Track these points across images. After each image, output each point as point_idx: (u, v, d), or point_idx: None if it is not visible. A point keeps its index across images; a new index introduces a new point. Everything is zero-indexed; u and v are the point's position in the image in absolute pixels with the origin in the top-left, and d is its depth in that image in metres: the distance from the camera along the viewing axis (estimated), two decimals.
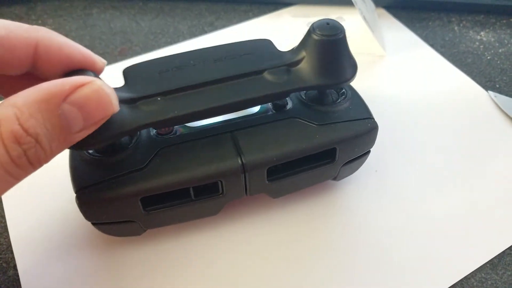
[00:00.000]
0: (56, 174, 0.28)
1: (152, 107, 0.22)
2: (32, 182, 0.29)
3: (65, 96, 0.17)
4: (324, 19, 0.24)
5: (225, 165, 0.23)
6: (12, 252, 0.26)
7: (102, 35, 0.42)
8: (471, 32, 0.42)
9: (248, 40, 0.25)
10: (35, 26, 0.20)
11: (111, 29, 0.42)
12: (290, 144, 0.23)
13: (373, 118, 0.25)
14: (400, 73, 0.37)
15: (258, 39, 0.26)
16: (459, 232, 0.26)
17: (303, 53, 0.24)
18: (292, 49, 0.25)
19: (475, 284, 0.24)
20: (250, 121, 0.25)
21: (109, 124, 0.20)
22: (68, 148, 0.19)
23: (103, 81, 0.19)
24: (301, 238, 0.26)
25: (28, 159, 0.17)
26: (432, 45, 0.40)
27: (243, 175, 0.23)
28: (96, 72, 0.21)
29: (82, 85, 0.18)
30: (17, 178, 0.17)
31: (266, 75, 0.23)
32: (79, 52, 0.21)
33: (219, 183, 0.23)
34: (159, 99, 0.22)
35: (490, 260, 0.25)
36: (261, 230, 0.27)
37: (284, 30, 0.41)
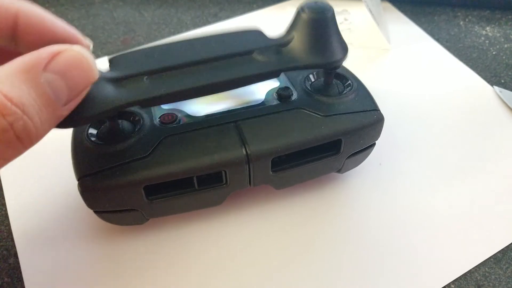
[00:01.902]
0: (58, 161, 0.28)
1: (138, 85, 0.21)
2: (33, 169, 0.29)
3: (45, 64, 0.16)
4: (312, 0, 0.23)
5: (230, 155, 0.22)
6: (12, 240, 0.25)
7: (105, 24, 0.41)
8: (476, 27, 0.41)
9: (239, 30, 0.24)
10: None
11: (114, 19, 0.42)
12: (295, 134, 0.23)
13: (379, 110, 0.25)
14: (405, 67, 0.37)
15: (248, 30, 0.24)
16: (463, 226, 0.26)
17: (293, 34, 0.23)
18: (282, 33, 0.24)
19: (478, 278, 0.24)
20: (254, 111, 0.24)
21: (94, 101, 0.19)
22: (57, 127, 0.18)
23: (80, 46, 0.18)
24: (304, 230, 0.26)
25: (16, 134, 0.15)
26: (437, 40, 0.39)
27: (247, 165, 0.23)
28: None
29: (60, 52, 0.17)
30: (5, 159, 0.16)
31: (256, 55, 0.23)
32: (61, 26, 0.20)
33: (223, 173, 0.23)
34: (145, 78, 0.21)
35: (494, 255, 0.25)
36: (264, 222, 0.26)
37: (287, 22, 0.41)
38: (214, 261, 0.25)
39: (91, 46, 0.21)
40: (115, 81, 0.21)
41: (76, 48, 0.18)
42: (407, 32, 0.40)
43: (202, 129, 0.23)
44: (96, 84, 0.19)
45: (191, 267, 0.24)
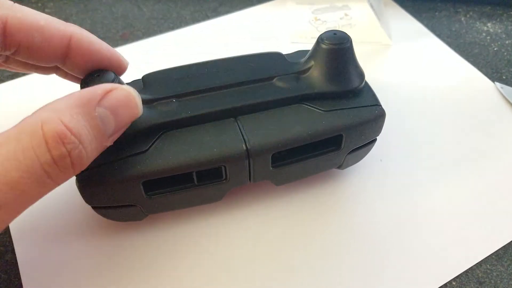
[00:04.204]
0: None
1: (168, 107, 0.23)
2: None
3: (99, 100, 0.18)
4: (331, 30, 0.25)
5: (230, 150, 0.22)
6: (10, 236, 0.25)
7: (104, 19, 0.41)
8: (478, 23, 0.41)
9: (260, 53, 0.27)
10: (69, 23, 0.22)
11: (112, 14, 0.42)
12: (296, 130, 0.23)
13: (381, 105, 0.25)
14: (406, 62, 0.36)
15: (269, 52, 0.26)
16: (464, 223, 0.26)
17: (312, 62, 0.25)
18: (302, 60, 0.26)
19: (480, 275, 0.24)
20: (255, 106, 0.24)
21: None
22: None
23: (129, 86, 0.20)
24: (304, 227, 0.26)
25: (72, 160, 0.17)
26: (438, 36, 0.39)
27: (247, 160, 0.23)
28: (121, 71, 0.24)
29: (112, 90, 0.19)
30: (56, 182, 0.17)
31: (276, 81, 0.24)
32: (107, 49, 0.23)
33: (223, 168, 0.23)
34: (174, 100, 0.23)
35: (495, 252, 0.25)
36: (263, 218, 0.26)
37: (288, 17, 0.40)
38: (213, 258, 0.24)
39: (128, 64, 0.24)
40: (147, 102, 0.23)
41: (126, 87, 0.20)
42: (408, 28, 0.40)
43: (202, 124, 0.23)
44: None
45: (190, 263, 0.24)
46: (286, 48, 0.29)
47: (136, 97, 0.20)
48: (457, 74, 0.36)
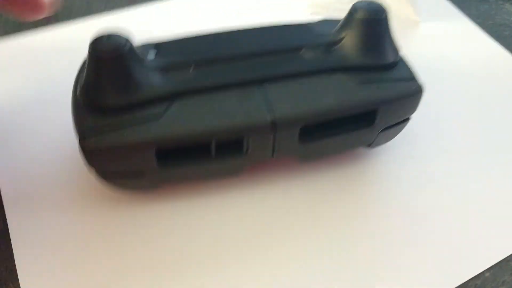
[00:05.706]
0: (56, 119, 0.25)
1: (185, 75, 0.21)
2: (28, 126, 0.26)
3: None
4: (363, 0, 0.23)
5: (253, 120, 0.20)
6: (1, 203, 0.23)
7: None
8: (507, 4, 0.39)
9: (284, 23, 0.24)
10: None
11: None
12: (328, 101, 0.21)
13: (418, 81, 0.23)
14: (434, 41, 0.34)
15: (294, 23, 0.24)
16: (500, 210, 0.24)
17: (344, 33, 0.22)
18: (332, 31, 0.23)
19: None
20: (282, 77, 0.22)
21: (141, 88, 0.19)
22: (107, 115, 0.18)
23: None
24: (326, 208, 0.24)
25: None
26: (467, 15, 0.37)
27: (272, 132, 0.20)
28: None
29: None
30: None
31: (304, 52, 0.22)
32: None
33: (244, 140, 0.21)
34: (191, 68, 0.21)
35: None
36: (284, 197, 0.24)
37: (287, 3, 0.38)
38: (224, 235, 0.22)
39: None
40: (162, 69, 0.21)
41: None
42: (436, 6, 0.38)
43: (223, 90, 0.21)
44: (143, 71, 0.20)
45: (201, 240, 0.22)
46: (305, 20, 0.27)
47: None
48: (488, 57, 0.34)
